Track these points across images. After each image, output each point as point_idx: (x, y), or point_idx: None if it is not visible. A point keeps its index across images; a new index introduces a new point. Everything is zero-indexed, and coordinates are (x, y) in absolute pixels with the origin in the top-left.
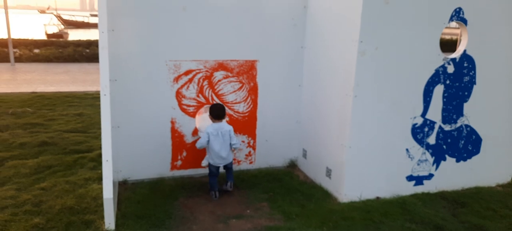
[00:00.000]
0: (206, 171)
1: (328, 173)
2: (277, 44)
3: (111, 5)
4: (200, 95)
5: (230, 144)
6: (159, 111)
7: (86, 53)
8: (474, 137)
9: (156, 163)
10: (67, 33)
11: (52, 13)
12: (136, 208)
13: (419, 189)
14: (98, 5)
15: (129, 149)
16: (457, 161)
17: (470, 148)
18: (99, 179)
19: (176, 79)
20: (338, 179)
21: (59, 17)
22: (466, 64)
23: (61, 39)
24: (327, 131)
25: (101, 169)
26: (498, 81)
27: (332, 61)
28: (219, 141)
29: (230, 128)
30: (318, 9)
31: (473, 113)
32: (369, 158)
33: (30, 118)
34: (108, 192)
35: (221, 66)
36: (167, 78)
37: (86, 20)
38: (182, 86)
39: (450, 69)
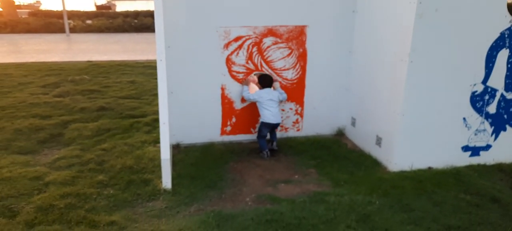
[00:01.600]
0: (254, 137)
1: (378, 141)
2: (327, 9)
3: None
4: (249, 61)
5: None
6: (210, 78)
7: (135, 24)
8: None
9: (207, 128)
10: (114, 5)
11: None
12: (190, 170)
13: (475, 160)
14: None
15: (182, 114)
16: None
17: None
18: (154, 142)
19: (226, 45)
20: (388, 147)
21: None
22: None
23: (110, 11)
24: (378, 99)
25: (155, 133)
26: None
27: (387, 25)
28: (272, 102)
29: (276, 91)
30: None
31: None
32: (422, 127)
33: (88, 84)
34: (165, 153)
35: (270, 32)
36: (218, 45)
37: None
38: (232, 53)
39: None
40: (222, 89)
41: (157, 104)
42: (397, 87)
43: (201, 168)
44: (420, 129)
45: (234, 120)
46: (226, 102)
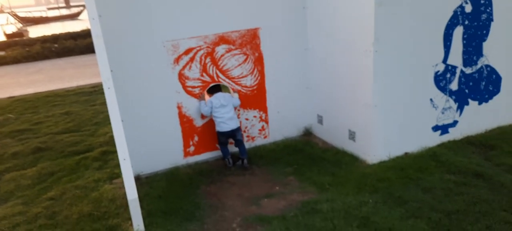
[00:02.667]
0: (221, 153)
1: (352, 135)
2: (277, 8)
3: None
4: (204, 74)
5: (234, 107)
6: (163, 98)
7: (55, 48)
8: (494, 76)
9: (167, 153)
10: (27, 31)
11: (7, 12)
12: (160, 204)
13: (445, 138)
14: None
15: (137, 142)
16: (479, 103)
17: (491, 88)
18: (110, 179)
19: (177, 60)
20: (364, 140)
21: (15, 15)
22: (483, 1)
23: (23, 38)
24: (345, 93)
25: (108, 168)
26: None
27: (343, 18)
28: (222, 108)
29: (228, 94)
30: None
31: (492, 51)
32: (394, 114)
33: (15, 124)
34: (132, 193)
35: (222, 39)
36: (167, 61)
37: (44, 14)
38: (184, 67)
39: (468, 8)
40: (179, 108)
41: (102, 134)
42: (365, 79)
43: (172, 199)
44: (392, 117)
45: (196, 138)
46: (185, 121)
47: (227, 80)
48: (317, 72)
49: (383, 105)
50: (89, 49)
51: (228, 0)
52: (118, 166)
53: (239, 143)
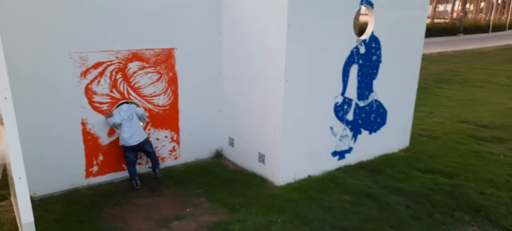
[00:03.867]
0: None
1: (262, 158)
2: (193, 30)
3: None
4: (114, 90)
5: (139, 119)
6: (66, 112)
7: None
8: (381, 110)
9: (67, 172)
10: None
11: None
12: (57, 229)
13: (342, 163)
14: None
15: (32, 159)
16: (370, 133)
17: (379, 120)
18: None
19: (84, 73)
20: (273, 163)
21: None
22: (374, 45)
23: None
24: (256, 117)
25: None
26: (396, 57)
27: (256, 47)
28: (128, 122)
29: (133, 105)
30: None
31: (380, 88)
32: (300, 139)
33: None
34: (27, 216)
35: (135, 56)
36: (73, 73)
37: None
38: (91, 81)
39: (362, 50)
40: (83, 124)
41: None
42: (275, 106)
43: (71, 223)
44: (299, 142)
45: (101, 158)
46: (89, 139)
47: (138, 98)
48: (230, 96)
49: (291, 131)
50: None
51: (143, 17)
52: (4, 186)
53: (149, 154)
